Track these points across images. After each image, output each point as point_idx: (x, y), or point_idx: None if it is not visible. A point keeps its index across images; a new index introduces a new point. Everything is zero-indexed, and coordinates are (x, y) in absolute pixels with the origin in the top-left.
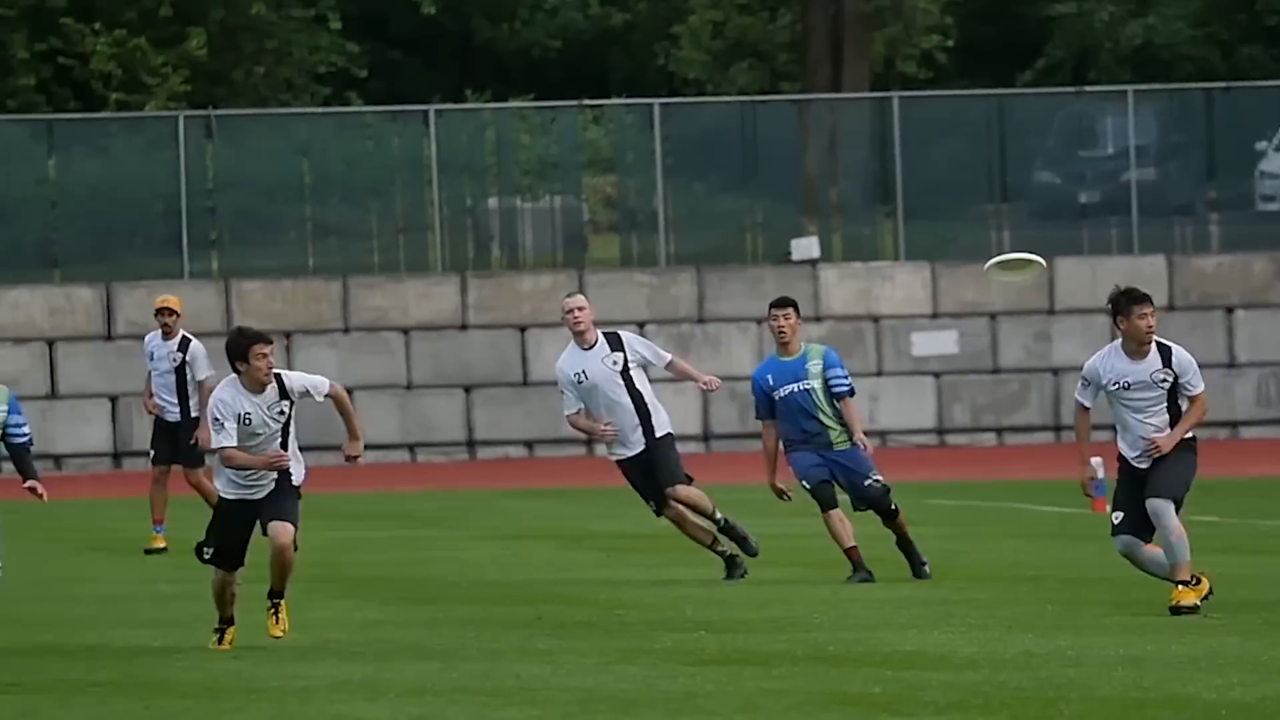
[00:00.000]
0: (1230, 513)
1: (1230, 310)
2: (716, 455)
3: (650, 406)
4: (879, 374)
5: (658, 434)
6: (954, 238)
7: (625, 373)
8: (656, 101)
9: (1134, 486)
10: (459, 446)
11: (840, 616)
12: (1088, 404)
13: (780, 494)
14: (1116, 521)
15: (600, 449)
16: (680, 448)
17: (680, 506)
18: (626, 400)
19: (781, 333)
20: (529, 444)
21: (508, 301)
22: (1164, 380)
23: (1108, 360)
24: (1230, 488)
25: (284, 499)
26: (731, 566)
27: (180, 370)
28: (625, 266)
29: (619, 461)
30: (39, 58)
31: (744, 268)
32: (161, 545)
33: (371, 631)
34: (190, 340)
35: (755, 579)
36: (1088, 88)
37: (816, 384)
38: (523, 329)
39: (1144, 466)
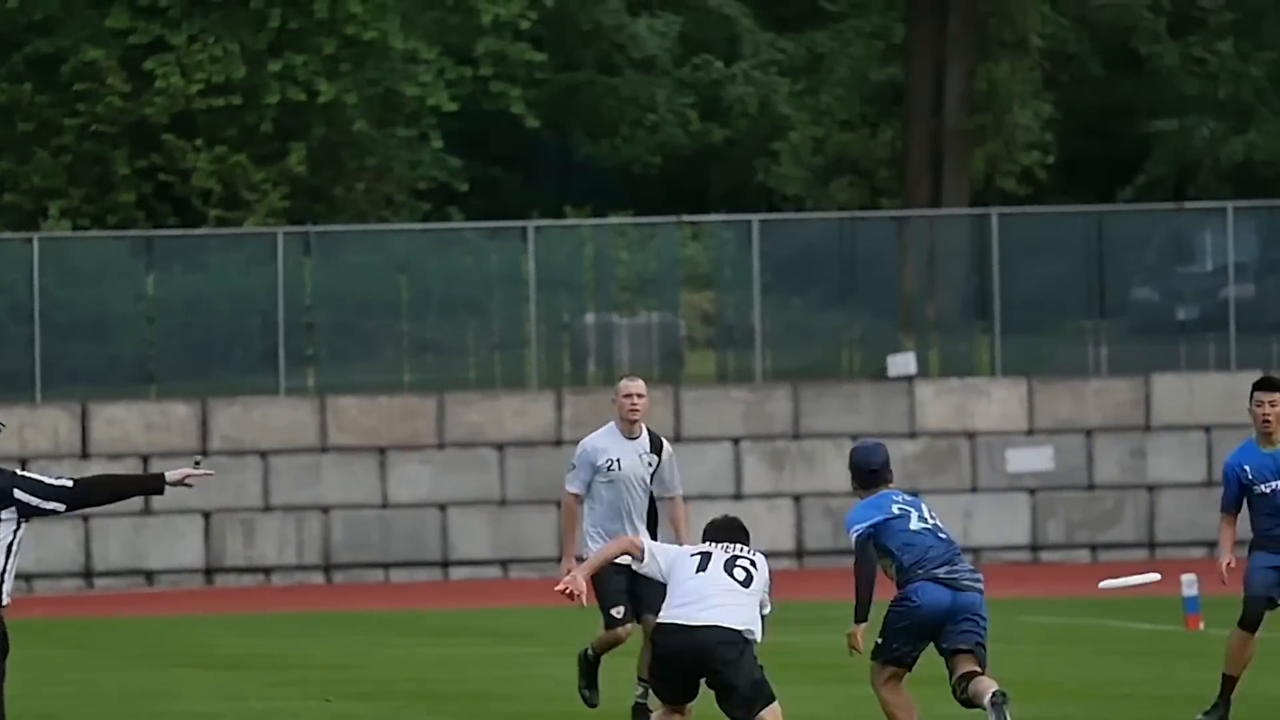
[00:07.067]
0: None
1: None
2: (809, 572)
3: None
4: (974, 490)
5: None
6: (1051, 354)
7: (652, 478)
8: (755, 218)
9: None
10: (552, 563)
11: None
12: None
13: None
14: None
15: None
16: (773, 564)
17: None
18: (643, 506)
19: (1266, 421)
20: None
21: (603, 417)
22: None
23: None
24: None
25: None
26: None
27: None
28: (721, 382)
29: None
30: (140, 174)
31: (840, 384)
32: None
33: None
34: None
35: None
36: (1187, 204)
37: None
38: None
39: None
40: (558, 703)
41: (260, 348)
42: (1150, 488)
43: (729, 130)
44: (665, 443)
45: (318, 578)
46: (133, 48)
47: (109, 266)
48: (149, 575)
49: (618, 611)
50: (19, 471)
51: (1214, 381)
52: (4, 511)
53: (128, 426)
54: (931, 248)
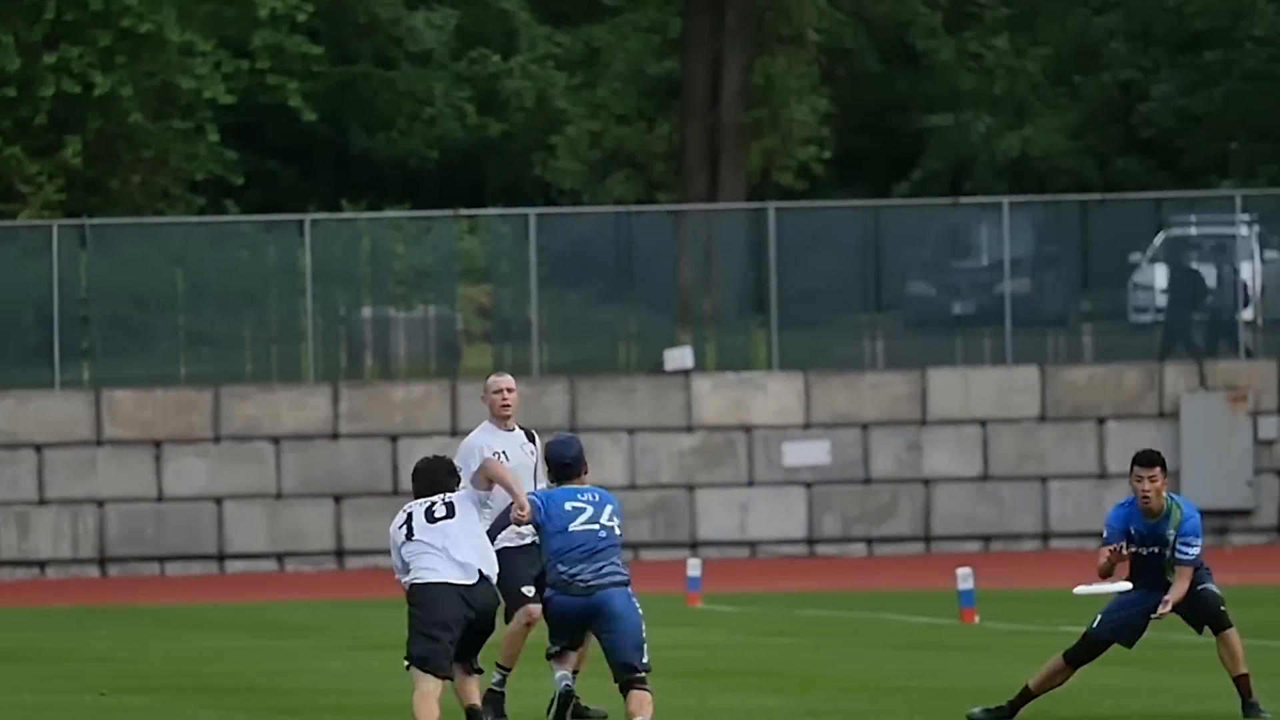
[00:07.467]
0: None
1: (1102, 421)
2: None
3: None
4: (750, 484)
5: None
6: (827, 348)
7: (536, 469)
8: (532, 211)
9: None
10: (328, 556)
11: None
12: None
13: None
14: None
15: None
16: None
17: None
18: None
19: (1146, 497)
20: None
21: (380, 411)
22: None
23: None
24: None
25: None
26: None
27: None
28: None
29: (513, 548)
30: None
31: (616, 378)
32: None
33: None
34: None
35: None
36: (963, 199)
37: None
38: (394, 438)
39: None
40: (333, 696)
41: (35, 341)
42: (926, 481)
43: (506, 124)
44: (535, 434)
45: (93, 571)
46: None
47: None
48: None
49: (528, 590)
50: None
51: (990, 376)
52: None
53: None
54: (708, 242)
